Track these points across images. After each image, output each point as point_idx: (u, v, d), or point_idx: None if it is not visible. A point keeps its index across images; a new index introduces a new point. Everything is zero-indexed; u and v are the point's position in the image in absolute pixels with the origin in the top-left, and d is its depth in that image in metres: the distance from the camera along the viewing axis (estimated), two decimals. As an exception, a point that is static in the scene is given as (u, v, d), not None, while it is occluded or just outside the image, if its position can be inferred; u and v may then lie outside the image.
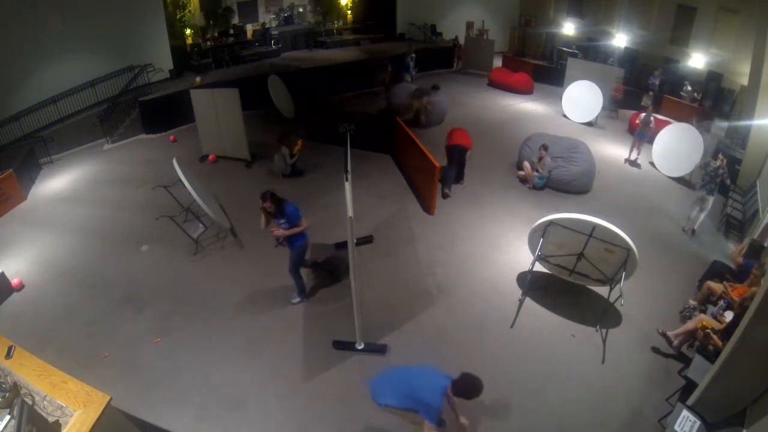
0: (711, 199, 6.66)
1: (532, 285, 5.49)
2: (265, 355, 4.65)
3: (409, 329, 4.98)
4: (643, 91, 12.57)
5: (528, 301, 5.30)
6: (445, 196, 7.60)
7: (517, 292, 5.47)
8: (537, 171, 7.97)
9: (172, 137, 10.42)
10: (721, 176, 6.64)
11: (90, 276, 5.88)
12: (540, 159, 7.91)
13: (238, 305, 5.34)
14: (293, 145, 8.28)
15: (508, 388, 4.32)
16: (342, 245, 6.26)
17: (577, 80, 11.54)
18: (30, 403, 2.97)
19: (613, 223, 4.69)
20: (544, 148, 7.86)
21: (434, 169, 6.76)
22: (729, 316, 4.61)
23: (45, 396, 3.04)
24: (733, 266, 5.60)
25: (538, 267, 5.51)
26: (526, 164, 8.08)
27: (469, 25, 17.90)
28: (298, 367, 4.50)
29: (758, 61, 8.19)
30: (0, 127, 9.19)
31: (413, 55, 13.11)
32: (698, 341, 4.59)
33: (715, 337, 4.31)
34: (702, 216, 6.81)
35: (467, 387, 3.12)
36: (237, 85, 9.02)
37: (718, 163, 6.66)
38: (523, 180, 8.17)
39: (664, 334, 4.86)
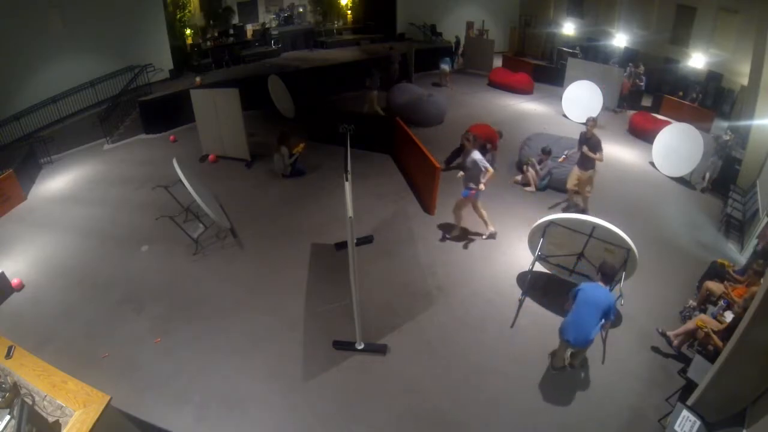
0: (720, 163, 8.62)
1: (532, 285, 5.49)
2: (265, 355, 4.65)
3: (409, 329, 4.98)
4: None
5: (528, 301, 5.29)
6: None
7: (517, 292, 5.47)
8: (538, 174, 7.94)
9: (172, 137, 10.43)
10: (730, 147, 8.80)
11: (90, 276, 5.88)
12: (540, 161, 7.90)
13: (238, 305, 5.35)
14: (292, 145, 8.28)
15: (508, 388, 4.32)
16: (342, 245, 6.26)
17: (577, 80, 11.55)
18: (30, 403, 2.96)
19: (613, 223, 4.69)
20: (546, 152, 7.84)
21: (434, 170, 6.76)
22: (729, 316, 4.61)
23: (45, 396, 3.04)
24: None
25: (538, 267, 5.51)
26: (531, 171, 8.00)
27: (469, 25, 17.91)
28: (298, 367, 4.50)
29: (758, 61, 8.19)
30: (0, 127, 9.20)
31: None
32: (698, 341, 4.59)
33: (715, 337, 4.31)
34: (713, 176, 8.53)
35: (607, 271, 3.99)
36: (237, 85, 9.02)
37: (728, 137, 8.86)
38: (525, 184, 8.11)
39: (663, 334, 4.87)
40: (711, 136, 8.99)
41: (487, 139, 8.07)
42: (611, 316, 3.92)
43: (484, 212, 6.27)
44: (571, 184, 6.91)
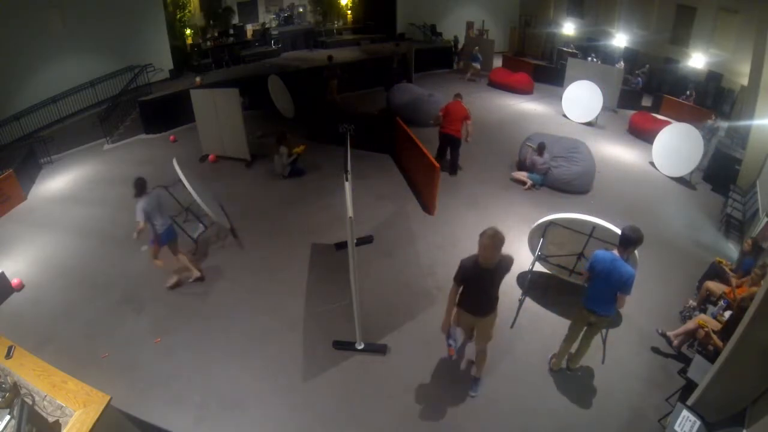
0: (711, 151, 9.21)
1: (532, 285, 5.49)
2: (265, 355, 4.65)
3: (409, 329, 4.98)
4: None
5: (528, 301, 5.30)
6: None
7: (517, 292, 5.47)
8: (532, 170, 8.02)
9: (172, 137, 10.42)
10: (717, 131, 10.01)
11: (90, 276, 5.88)
12: (540, 154, 7.94)
13: (238, 305, 5.34)
14: (292, 145, 8.28)
15: (508, 388, 4.32)
16: (342, 245, 6.26)
17: (577, 80, 11.55)
18: (30, 403, 2.97)
19: (613, 223, 4.69)
20: (541, 148, 7.88)
21: (434, 169, 6.76)
22: (729, 316, 4.61)
23: (45, 396, 3.04)
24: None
25: (538, 267, 5.51)
26: (521, 173, 8.18)
27: (469, 25, 17.91)
28: (298, 367, 4.50)
29: (758, 61, 8.18)
30: (0, 127, 9.20)
31: (478, 47, 15.52)
32: (698, 341, 4.59)
33: (715, 337, 4.32)
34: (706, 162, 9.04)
35: (629, 235, 3.61)
36: (237, 85, 9.02)
37: (712, 121, 10.14)
38: (520, 182, 8.16)
39: (663, 335, 4.87)
40: (699, 126, 9.32)
41: (464, 117, 8.00)
42: (627, 291, 3.77)
43: (182, 257, 5.54)
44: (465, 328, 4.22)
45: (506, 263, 3.62)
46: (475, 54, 15.27)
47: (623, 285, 3.68)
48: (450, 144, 8.15)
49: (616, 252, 3.75)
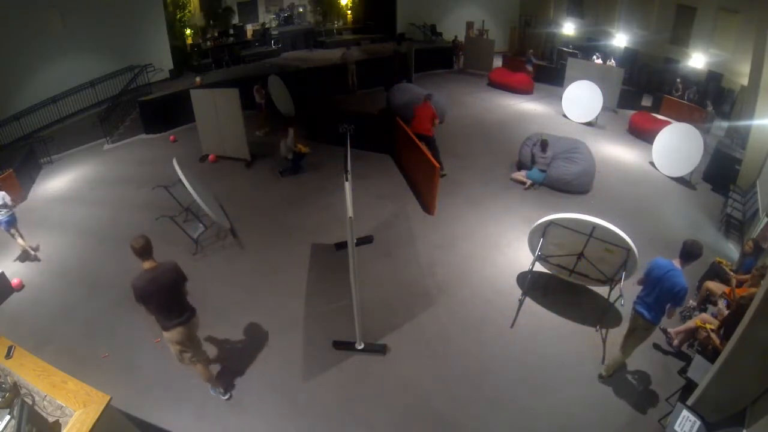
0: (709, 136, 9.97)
1: (532, 285, 5.49)
2: (265, 356, 4.65)
3: (409, 329, 4.98)
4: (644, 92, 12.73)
5: (528, 301, 5.30)
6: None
7: (517, 292, 5.47)
8: (534, 164, 8.03)
9: (172, 137, 10.43)
10: (714, 115, 10.96)
11: (90, 276, 5.88)
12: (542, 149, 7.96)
13: (238, 305, 5.34)
14: (296, 139, 8.32)
15: (508, 388, 4.32)
16: (342, 245, 6.26)
17: (577, 80, 11.54)
18: (30, 403, 2.97)
19: (613, 223, 4.69)
20: (543, 145, 7.89)
21: (434, 169, 6.76)
22: (726, 315, 4.61)
23: (45, 396, 3.04)
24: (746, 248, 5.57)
25: (538, 267, 5.51)
26: (520, 174, 8.19)
27: (469, 25, 17.92)
28: (298, 367, 4.51)
29: (758, 61, 8.17)
30: (0, 127, 9.20)
31: (531, 50, 16.05)
32: (698, 341, 4.60)
33: (714, 337, 4.32)
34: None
35: (691, 249, 3.74)
36: (237, 85, 9.02)
37: (710, 109, 10.96)
38: (519, 182, 8.16)
39: (664, 330, 4.87)
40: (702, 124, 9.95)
41: (432, 117, 8.17)
42: (678, 302, 3.78)
43: (20, 241, 6.15)
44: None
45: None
46: (529, 57, 15.30)
47: (673, 296, 3.72)
48: (423, 142, 7.93)
49: (675, 262, 3.83)
